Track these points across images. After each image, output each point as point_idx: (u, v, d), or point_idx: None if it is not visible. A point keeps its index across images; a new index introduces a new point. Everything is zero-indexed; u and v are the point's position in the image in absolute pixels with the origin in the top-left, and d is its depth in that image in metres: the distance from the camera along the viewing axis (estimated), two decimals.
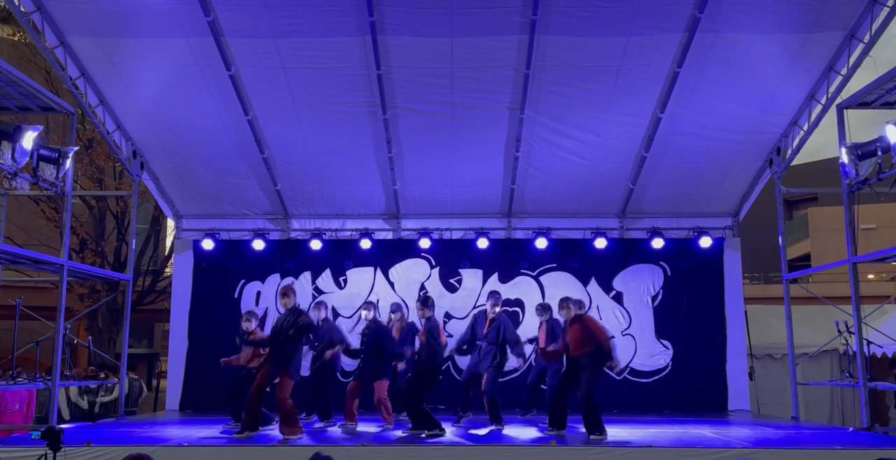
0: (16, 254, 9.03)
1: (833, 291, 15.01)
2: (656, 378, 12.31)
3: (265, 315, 12.24)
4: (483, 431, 8.85)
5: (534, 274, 12.67)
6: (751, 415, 11.68)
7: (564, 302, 8.64)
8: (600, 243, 12.30)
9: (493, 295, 9.59)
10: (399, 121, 11.00)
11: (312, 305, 10.52)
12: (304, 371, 9.47)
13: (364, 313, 9.56)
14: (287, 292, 8.66)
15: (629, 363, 12.29)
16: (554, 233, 12.56)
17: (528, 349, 10.46)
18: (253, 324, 9.63)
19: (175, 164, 11.94)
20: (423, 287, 12.53)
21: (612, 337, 9.21)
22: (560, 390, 8.63)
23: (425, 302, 8.89)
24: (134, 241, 12.61)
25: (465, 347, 9.65)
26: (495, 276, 12.62)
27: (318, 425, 9.68)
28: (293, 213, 12.87)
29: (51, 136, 15.53)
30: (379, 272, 12.72)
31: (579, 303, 8.77)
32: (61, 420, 11.23)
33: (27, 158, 8.43)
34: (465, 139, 11.26)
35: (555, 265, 12.64)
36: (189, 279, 12.73)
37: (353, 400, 9.26)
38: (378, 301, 12.48)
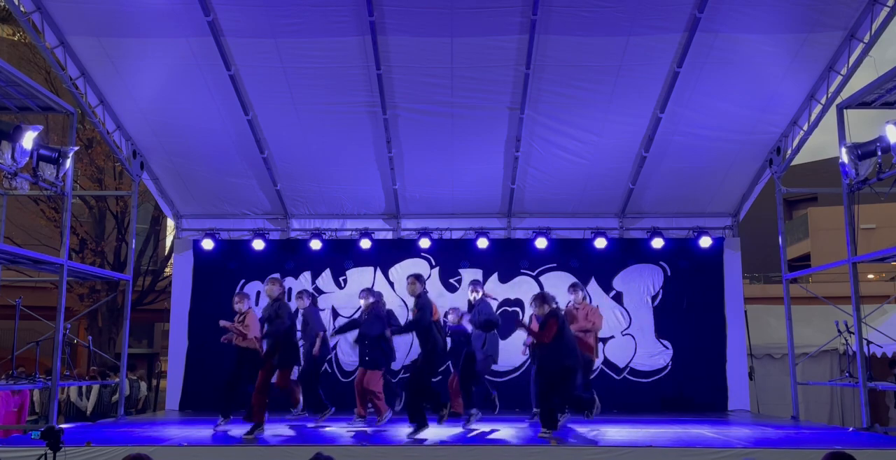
0: (16, 254, 9.03)
1: (833, 291, 15.01)
2: (656, 378, 12.31)
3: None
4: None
5: (534, 274, 12.66)
6: (751, 415, 11.68)
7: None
8: (600, 243, 12.30)
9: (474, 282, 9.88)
10: (399, 121, 11.00)
11: (295, 294, 10.57)
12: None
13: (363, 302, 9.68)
14: (273, 281, 8.75)
15: (629, 363, 12.31)
16: (554, 232, 12.56)
17: None
18: (245, 306, 9.35)
19: (175, 164, 11.95)
20: None
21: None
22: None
23: (419, 277, 8.57)
24: (134, 241, 12.62)
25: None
26: (495, 276, 12.61)
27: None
28: (293, 213, 12.87)
29: (51, 136, 15.53)
30: (379, 272, 12.71)
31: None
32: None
33: (27, 158, 8.44)
34: (465, 139, 11.26)
35: (555, 265, 12.63)
36: (189, 279, 12.73)
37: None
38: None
